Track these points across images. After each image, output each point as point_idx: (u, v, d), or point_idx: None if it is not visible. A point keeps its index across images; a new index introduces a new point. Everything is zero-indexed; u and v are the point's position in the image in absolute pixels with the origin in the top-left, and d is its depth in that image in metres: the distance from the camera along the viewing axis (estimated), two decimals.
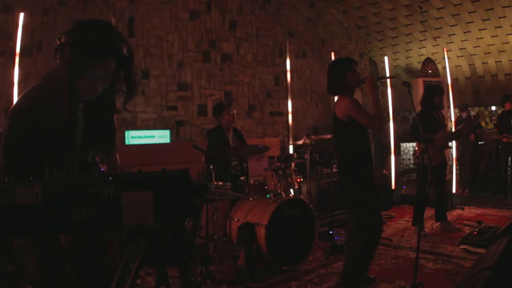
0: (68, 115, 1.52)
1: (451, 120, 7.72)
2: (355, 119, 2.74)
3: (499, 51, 7.63)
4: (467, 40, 7.72)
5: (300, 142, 4.59)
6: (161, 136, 5.56)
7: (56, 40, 1.49)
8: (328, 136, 4.90)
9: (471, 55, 8.02)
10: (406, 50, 8.80)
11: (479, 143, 7.33)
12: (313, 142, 4.41)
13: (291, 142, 6.35)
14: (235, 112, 4.60)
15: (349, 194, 2.86)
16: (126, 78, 1.58)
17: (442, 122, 4.73)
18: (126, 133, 5.33)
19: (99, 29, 1.47)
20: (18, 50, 4.34)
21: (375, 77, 2.95)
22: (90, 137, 1.62)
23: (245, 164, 3.81)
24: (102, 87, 1.54)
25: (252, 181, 4.13)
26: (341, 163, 2.95)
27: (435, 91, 4.69)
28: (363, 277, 2.94)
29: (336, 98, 3.07)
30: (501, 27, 7.10)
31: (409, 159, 8.81)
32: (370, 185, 2.79)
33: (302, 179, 4.75)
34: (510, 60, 7.68)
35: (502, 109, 6.87)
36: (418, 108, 4.58)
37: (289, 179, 3.85)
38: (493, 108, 8.38)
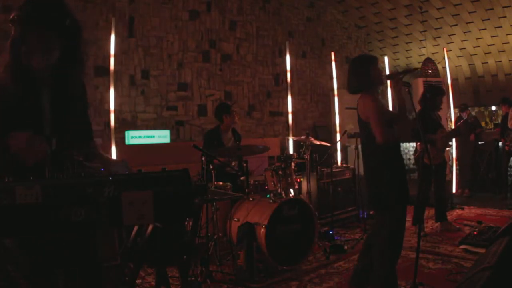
0: (22, 91, 1.49)
1: (451, 120, 7.72)
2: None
3: (499, 51, 7.63)
4: (467, 40, 7.72)
5: (298, 138, 4.58)
6: (161, 136, 5.56)
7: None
8: (328, 144, 4.92)
9: (471, 55, 8.03)
10: (406, 50, 8.80)
11: (479, 143, 7.33)
12: (311, 143, 4.40)
13: (291, 137, 6.36)
14: (237, 117, 4.61)
15: (375, 195, 2.72)
16: (70, 50, 1.56)
17: (439, 122, 4.73)
18: (126, 133, 5.33)
19: (34, 3, 1.47)
20: None
21: (401, 73, 2.72)
22: (60, 125, 1.58)
23: (245, 164, 3.81)
24: (44, 58, 1.50)
25: (252, 181, 4.13)
26: (365, 163, 2.82)
27: (438, 92, 4.69)
28: (367, 277, 2.91)
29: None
30: (501, 27, 7.10)
31: (409, 159, 8.81)
32: (394, 186, 2.64)
33: (302, 179, 4.77)
34: (510, 60, 7.68)
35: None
36: (418, 108, 4.59)
37: (289, 179, 3.85)
38: (493, 108, 8.38)
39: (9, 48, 1.48)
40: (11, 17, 1.46)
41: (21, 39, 1.45)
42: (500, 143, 6.84)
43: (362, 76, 2.71)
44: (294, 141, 6.51)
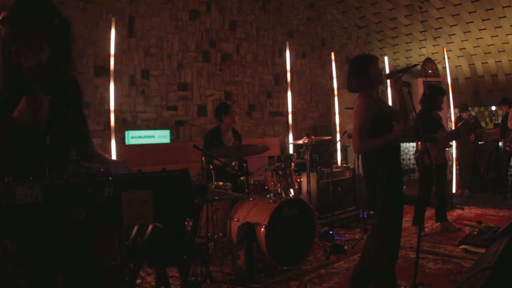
0: (15, 91, 1.50)
1: (451, 120, 7.72)
2: (373, 119, 2.62)
3: (499, 51, 7.63)
4: (467, 40, 7.72)
5: (300, 141, 4.59)
6: (161, 136, 5.56)
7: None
8: (328, 138, 4.93)
9: (471, 55, 8.02)
10: (406, 50, 8.80)
11: (479, 143, 7.33)
12: (312, 142, 4.41)
13: (291, 141, 6.37)
14: (236, 117, 4.62)
15: (373, 195, 2.72)
16: (60, 49, 1.58)
17: (440, 122, 4.73)
18: (126, 133, 5.33)
19: (23, 3, 1.50)
20: None
21: (400, 72, 2.76)
22: (54, 124, 1.57)
23: (245, 164, 3.81)
24: (33, 57, 1.51)
25: (252, 181, 4.13)
26: (366, 163, 2.82)
27: (439, 92, 4.68)
28: (367, 277, 2.91)
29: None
30: (501, 27, 7.10)
31: (409, 159, 8.81)
32: (395, 186, 2.64)
33: (302, 179, 4.76)
34: (510, 60, 7.68)
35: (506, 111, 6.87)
36: (418, 107, 4.58)
37: (289, 179, 3.85)
38: (493, 108, 8.38)
39: (0, 48, 1.49)
40: (0, 17, 1.47)
41: (11, 39, 1.46)
42: (501, 143, 6.84)
43: (362, 75, 2.72)
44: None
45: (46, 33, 1.50)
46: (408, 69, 2.90)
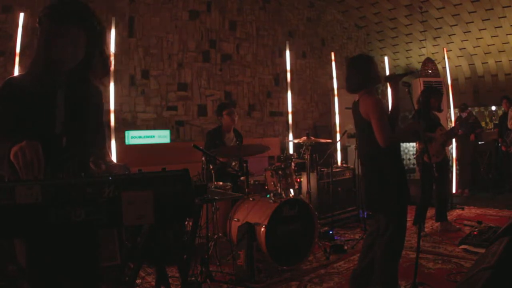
0: (44, 88, 1.52)
1: (451, 120, 7.72)
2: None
3: (499, 51, 7.63)
4: (467, 40, 7.72)
5: (299, 140, 4.58)
6: (161, 136, 5.56)
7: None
8: (328, 141, 4.93)
9: (471, 55, 8.03)
10: (406, 50, 8.80)
11: (479, 143, 7.33)
12: (312, 143, 4.40)
13: (290, 139, 6.37)
14: (236, 115, 4.61)
15: (373, 196, 2.73)
16: (97, 52, 1.60)
17: (438, 122, 4.71)
18: (126, 133, 5.33)
19: (64, 2, 1.54)
20: (18, 50, 4.34)
21: (400, 75, 2.79)
22: (72, 123, 1.57)
23: (245, 164, 3.81)
24: (73, 55, 1.54)
25: (252, 181, 4.13)
26: (365, 164, 2.82)
27: (431, 93, 4.67)
28: (367, 277, 2.90)
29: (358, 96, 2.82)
30: (501, 27, 7.10)
31: (409, 159, 8.81)
32: (396, 187, 2.64)
33: (302, 179, 4.76)
34: (510, 60, 7.68)
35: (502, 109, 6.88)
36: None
37: (289, 179, 3.85)
38: (493, 108, 8.39)
39: (38, 41, 1.53)
40: (41, 14, 1.52)
41: (52, 33, 1.49)
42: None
43: (365, 75, 2.73)
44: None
45: (84, 33, 1.53)
46: (406, 75, 2.90)
